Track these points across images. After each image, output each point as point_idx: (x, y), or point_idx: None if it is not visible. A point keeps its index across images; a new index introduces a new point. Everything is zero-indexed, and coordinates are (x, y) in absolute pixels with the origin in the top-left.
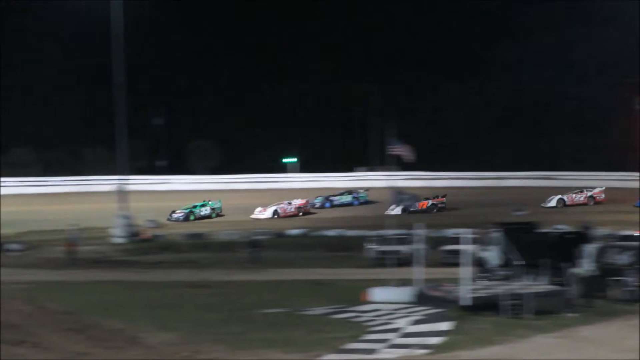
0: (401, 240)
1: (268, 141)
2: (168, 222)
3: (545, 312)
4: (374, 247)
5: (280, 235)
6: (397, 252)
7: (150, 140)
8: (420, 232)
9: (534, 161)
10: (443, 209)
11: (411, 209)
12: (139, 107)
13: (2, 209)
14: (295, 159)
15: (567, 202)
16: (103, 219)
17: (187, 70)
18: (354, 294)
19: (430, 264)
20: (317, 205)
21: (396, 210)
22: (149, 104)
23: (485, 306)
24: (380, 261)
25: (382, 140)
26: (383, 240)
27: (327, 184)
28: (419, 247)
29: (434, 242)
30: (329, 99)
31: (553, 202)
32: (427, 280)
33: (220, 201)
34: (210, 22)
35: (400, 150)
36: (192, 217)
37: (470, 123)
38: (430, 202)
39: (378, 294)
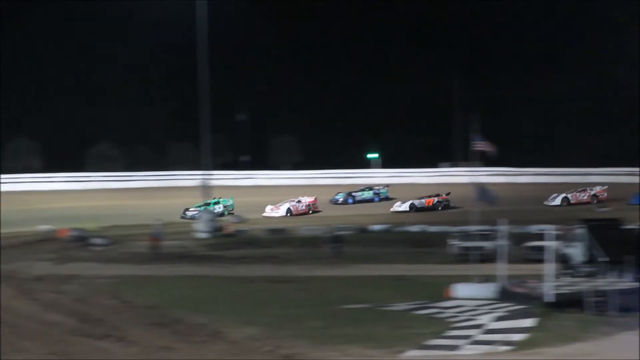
0: (484, 236)
1: (351, 137)
2: (182, 220)
3: (630, 309)
4: (457, 243)
5: (362, 231)
6: (480, 248)
7: (233, 135)
8: (504, 228)
9: (622, 157)
10: (447, 207)
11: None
12: (223, 103)
13: (87, 204)
14: (377, 155)
15: (572, 201)
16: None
17: (272, 66)
18: (437, 289)
19: (514, 260)
20: (340, 202)
21: (403, 207)
22: (233, 100)
23: (569, 303)
24: (463, 257)
25: (466, 136)
26: (466, 236)
27: (409, 179)
28: (502, 243)
29: (518, 239)
30: (413, 95)
31: (557, 201)
32: (511, 277)
33: (232, 198)
34: (293, 19)
35: (484, 146)
36: None
37: (555, 118)
38: (435, 199)
39: (461, 290)
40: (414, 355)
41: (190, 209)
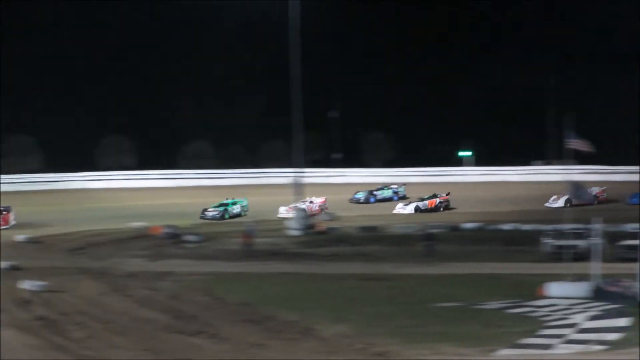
0: (578, 235)
1: (444, 134)
2: (201, 220)
3: None
4: (550, 241)
5: (455, 229)
6: (574, 246)
7: (325, 133)
8: (598, 226)
9: None
10: (448, 207)
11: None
12: (315, 101)
13: (180, 201)
14: (470, 152)
15: (573, 202)
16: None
17: (364, 64)
18: (530, 288)
19: (608, 259)
20: (361, 200)
21: (407, 209)
22: (325, 97)
23: None
24: (557, 256)
25: (559, 133)
26: (560, 234)
27: (502, 177)
28: (596, 241)
29: (612, 237)
30: (507, 92)
31: (560, 202)
32: (605, 276)
33: (246, 199)
34: (386, 16)
35: (578, 143)
36: (227, 216)
37: None
38: (437, 200)
39: (554, 288)
40: (506, 354)
41: (209, 209)
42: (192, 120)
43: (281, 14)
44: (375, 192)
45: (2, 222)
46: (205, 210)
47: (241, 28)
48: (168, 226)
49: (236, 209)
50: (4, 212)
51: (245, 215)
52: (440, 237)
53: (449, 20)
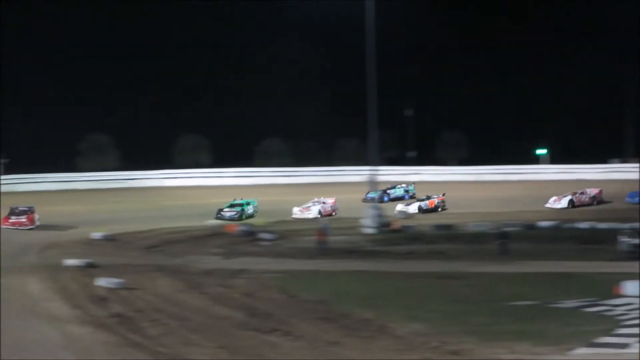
0: None
1: (520, 132)
2: (220, 220)
3: None
4: (627, 239)
5: (530, 227)
6: None
7: (400, 131)
8: None
9: None
10: (444, 208)
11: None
12: (390, 99)
13: (266, 199)
14: (546, 150)
15: (576, 203)
16: (354, 210)
17: (438, 62)
18: (606, 287)
19: None
20: (375, 200)
21: (411, 209)
22: (400, 95)
23: None
24: (633, 254)
25: (637, 131)
26: (636, 233)
27: (578, 175)
28: None
29: None
30: (583, 90)
31: (564, 203)
32: None
33: (256, 199)
34: (461, 15)
35: None
36: (244, 216)
37: None
38: (436, 200)
39: (631, 287)
40: (582, 353)
41: (225, 209)
42: (267, 118)
43: (356, 12)
44: (389, 191)
45: (27, 222)
46: (221, 210)
47: (316, 26)
48: (243, 224)
49: (250, 209)
50: (29, 212)
51: (255, 216)
52: (514, 235)
53: (527, 18)
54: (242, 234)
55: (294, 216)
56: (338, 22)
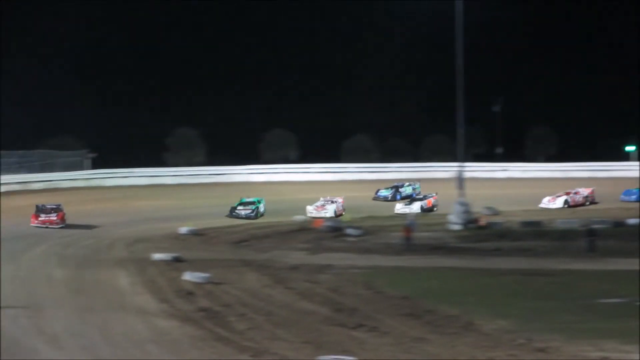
0: None
1: (609, 129)
2: (235, 218)
3: None
4: None
5: (618, 224)
6: None
7: (488, 127)
8: None
9: None
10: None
11: None
12: (478, 95)
13: (342, 195)
14: (634, 147)
15: (571, 203)
16: (441, 206)
17: (527, 58)
18: None
19: None
20: (389, 198)
21: (412, 208)
22: (488, 91)
23: None
24: None
25: None
26: None
27: None
28: None
29: None
30: None
31: (559, 203)
32: None
33: (263, 199)
34: (548, 8)
35: None
36: (258, 215)
37: None
38: (433, 200)
39: None
40: None
41: (238, 208)
42: (356, 114)
43: (445, 7)
44: (400, 189)
45: (58, 220)
46: (235, 209)
47: (405, 23)
48: (329, 219)
49: (262, 207)
50: (58, 210)
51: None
52: (603, 232)
53: (615, 11)
54: (329, 230)
55: (308, 215)
56: (427, 19)
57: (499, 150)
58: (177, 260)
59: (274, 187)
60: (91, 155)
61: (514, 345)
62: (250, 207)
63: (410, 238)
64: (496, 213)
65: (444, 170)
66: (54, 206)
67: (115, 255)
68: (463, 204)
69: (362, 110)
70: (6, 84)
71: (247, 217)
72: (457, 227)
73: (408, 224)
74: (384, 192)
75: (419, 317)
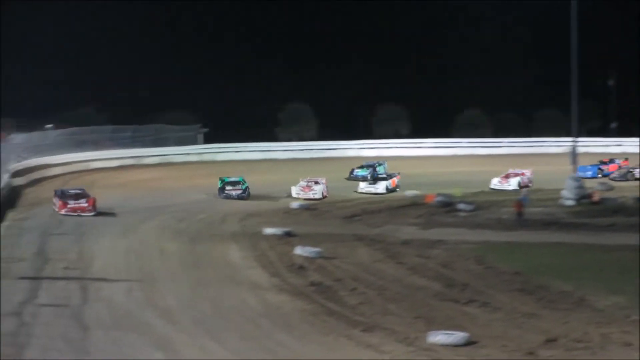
0: None
1: None
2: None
3: None
4: None
5: None
6: None
7: (602, 102)
8: None
9: None
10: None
11: None
12: (592, 69)
13: (454, 169)
14: None
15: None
16: (554, 181)
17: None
18: None
19: None
20: (368, 178)
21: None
22: (603, 65)
23: None
24: None
25: None
26: None
27: None
28: None
29: None
30: None
31: (513, 184)
32: None
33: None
34: None
35: None
36: (250, 195)
37: None
38: (396, 179)
39: None
40: None
41: (227, 188)
42: (466, 89)
43: None
44: (377, 168)
45: (89, 206)
46: (224, 189)
47: None
48: (441, 195)
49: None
50: (87, 196)
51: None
52: None
53: None
54: (440, 205)
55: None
56: None
57: (613, 125)
58: (288, 234)
59: (388, 162)
60: (204, 130)
61: (627, 321)
62: (239, 186)
63: (522, 213)
64: (610, 188)
65: (557, 145)
66: (79, 190)
67: (227, 229)
68: (576, 180)
69: (474, 84)
70: (121, 59)
71: (239, 197)
72: (570, 203)
73: (520, 199)
74: (360, 172)
75: (531, 293)
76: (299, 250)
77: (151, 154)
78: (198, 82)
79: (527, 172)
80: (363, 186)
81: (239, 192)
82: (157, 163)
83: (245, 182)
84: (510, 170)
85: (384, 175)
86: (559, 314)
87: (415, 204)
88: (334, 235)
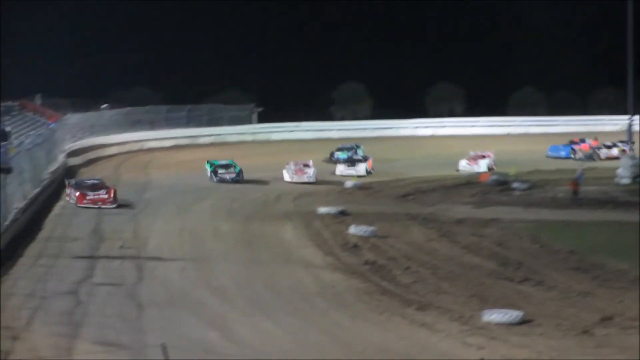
0: None
1: None
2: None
3: None
4: None
5: None
6: None
7: None
8: None
9: None
10: None
11: None
12: None
13: (508, 148)
14: None
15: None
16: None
17: None
18: None
19: None
20: (346, 160)
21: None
22: None
23: None
24: None
25: None
26: None
27: None
28: None
29: None
30: None
31: (482, 166)
32: None
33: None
34: None
35: None
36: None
37: None
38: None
39: None
40: None
41: (220, 172)
42: (522, 67)
43: None
44: (358, 151)
45: (109, 197)
46: (216, 173)
47: None
48: (495, 173)
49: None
50: (105, 186)
51: None
52: None
53: None
54: (494, 183)
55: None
56: None
57: None
58: (342, 213)
59: (441, 141)
60: (258, 109)
61: None
62: (232, 169)
63: (578, 192)
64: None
65: (613, 123)
66: (95, 181)
67: (281, 208)
68: (632, 158)
69: (529, 62)
70: (175, 38)
71: (234, 180)
72: (625, 181)
73: (575, 178)
74: (341, 155)
75: (586, 272)
76: (352, 229)
77: (206, 133)
78: (253, 61)
79: (491, 154)
80: (342, 169)
81: (233, 175)
82: (211, 143)
83: (236, 165)
84: (473, 153)
85: (361, 158)
86: (614, 293)
87: (469, 182)
88: (387, 214)
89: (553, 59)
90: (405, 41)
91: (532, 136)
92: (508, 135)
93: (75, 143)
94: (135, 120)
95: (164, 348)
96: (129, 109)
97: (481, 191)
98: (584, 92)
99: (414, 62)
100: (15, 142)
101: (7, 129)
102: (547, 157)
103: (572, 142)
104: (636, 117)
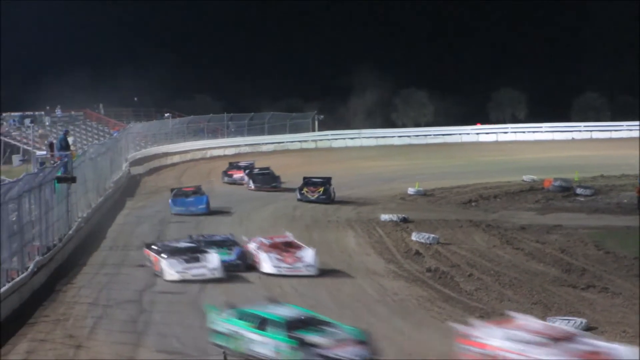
0: None
1: None
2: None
3: None
4: None
5: None
6: None
7: None
8: None
9: None
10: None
11: None
12: None
13: (572, 154)
14: None
15: None
16: None
17: None
18: None
19: None
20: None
21: None
22: None
23: None
24: None
25: None
26: None
27: None
28: None
29: None
30: None
31: None
32: None
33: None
34: None
35: None
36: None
37: None
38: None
39: None
40: None
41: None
42: (584, 72)
43: None
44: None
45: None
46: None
47: None
48: (559, 179)
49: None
50: None
51: None
52: None
53: None
54: (558, 189)
55: None
56: None
57: None
58: (404, 220)
59: (503, 146)
60: (319, 116)
61: None
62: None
63: None
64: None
65: None
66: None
67: (342, 216)
68: None
69: (591, 67)
70: (237, 47)
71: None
72: None
73: None
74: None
75: None
76: (415, 237)
77: (267, 141)
78: (313, 69)
79: None
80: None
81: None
82: (273, 150)
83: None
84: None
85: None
86: None
87: (532, 188)
88: (450, 221)
89: (616, 64)
90: (470, 48)
91: (596, 141)
92: (571, 141)
93: (138, 152)
94: (197, 128)
95: (225, 356)
96: (191, 117)
97: (544, 197)
98: None
99: (477, 68)
100: (79, 151)
101: (70, 139)
102: None
103: None
104: None
